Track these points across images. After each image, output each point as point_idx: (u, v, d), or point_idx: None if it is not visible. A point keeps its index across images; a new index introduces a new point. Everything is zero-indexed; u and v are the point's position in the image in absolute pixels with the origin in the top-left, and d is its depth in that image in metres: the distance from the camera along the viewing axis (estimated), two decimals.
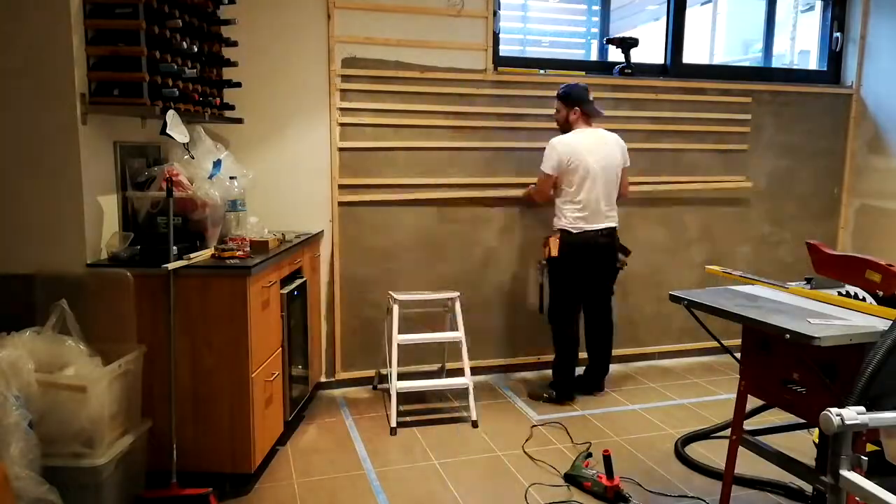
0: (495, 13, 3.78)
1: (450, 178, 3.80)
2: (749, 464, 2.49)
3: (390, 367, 3.32)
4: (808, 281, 2.36)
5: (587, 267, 3.49)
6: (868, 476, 1.34)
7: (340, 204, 3.66)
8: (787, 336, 1.82)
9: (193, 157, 2.86)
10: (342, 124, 3.62)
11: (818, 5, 4.62)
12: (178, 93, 2.62)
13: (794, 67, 5.22)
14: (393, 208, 3.74)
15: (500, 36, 3.87)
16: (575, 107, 3.46)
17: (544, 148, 3.94)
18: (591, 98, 3.49)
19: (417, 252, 3.81)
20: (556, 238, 3.46)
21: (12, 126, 2.44)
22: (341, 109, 3.60)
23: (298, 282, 3.18)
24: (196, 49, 2.83)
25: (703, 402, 3.65)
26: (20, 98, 2.42)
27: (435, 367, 3.87)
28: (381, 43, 3.62)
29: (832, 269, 2.22)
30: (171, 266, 2.43)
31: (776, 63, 4.82)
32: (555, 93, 3.59)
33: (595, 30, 4.25)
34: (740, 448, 2.26)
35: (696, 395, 3.75)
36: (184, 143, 2.78)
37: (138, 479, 2.47)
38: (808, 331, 1.79)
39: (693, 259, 4.32)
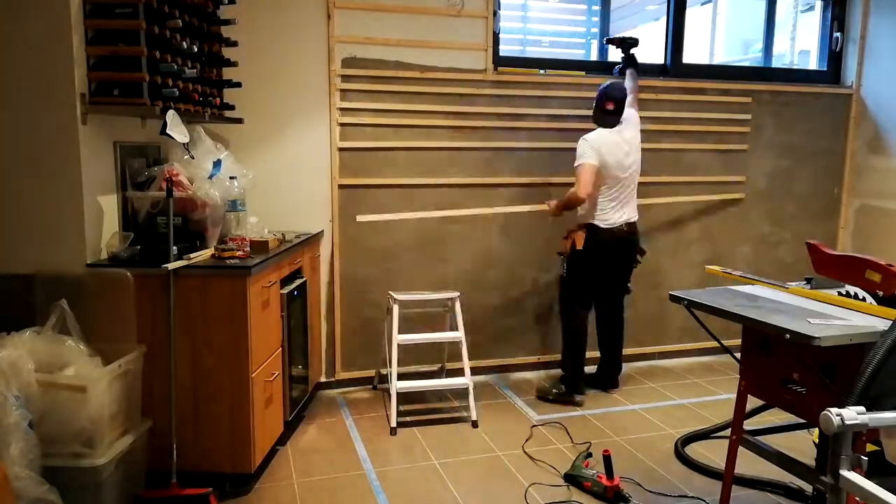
0: (495, 13, 3.78)
1: (450, 178, 3.80)
2: (749, 464, 2.49)
3: (390, 367, 3.32)
4: (808, 281, 2.36)
5: (609, 262, 3.54)
6: (868, 476, 1.34)
7: (340, 204, 3.66)
8: (787, 336, 1.82)
9: (193, 157, 2.86)
10: (342, 124, 3.62)
11: (818, 5, 4.62)
12: (178, 93, 2.62)
13: (794, 67, 5.22)
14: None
15: (500, 36, 3.87)
16: (609, 102, 3.48)
17: (544, 148, 3.97)
18: (626, 96, 3.52)
19: (417, 252, 3.81)
20: (582, 232, 3.46)
21: (12, 126, 2.44)
22: (341, 109, 3.60)
23: (298, 282, 3.18)
24: (196, 49, 2.83)
25: (703, 402, 3.65)
26: (20, 98, 2.42)
27: (435, 367, 3.87)
28: (381, 43, 3.62)
29: (832, 269, 2.22)
30: (171, 266, 2.43)
31: (776, 63, 4.82)
32: (555, 93, 3.59)
33: (595, 30, 4.25)
34: (740, 448, 2.26)
35: (696, 395, 3.76)
36: (184, 143, 2.78)
37: (138, 479, 2.47)
38: (808, 331, 1.79)
39: (693, 259, 4.32)
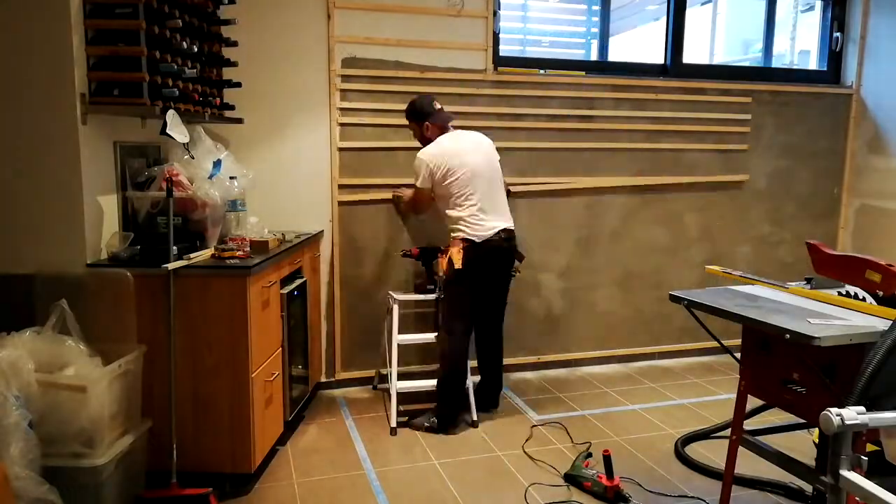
0: (495, 13, 3.78)
1: None
2: (749, 464, 2.49)
3: (390, 367, 3.32)
4: (808, 281, 2.36)
5: (490, 276, 3.29)
6: (868, 476, 1.34)
7: (340, 204, 3.66)
8: (787, 336, 1.82)
9: (193, 157, 2.86)
10: (342, 124, 3.62)
11: (818, 5, 4.62)
12: (178, 93, 2.62)
13: (794, 67, 5.22)
14: (393, 208, 3.74)
15: (500, 36, 3.87)
16: (424, 122, 3.27)
17: (544, 148, 3.96)
18: (436, 107, 3.28)
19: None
20: (459, 248, 3.13)
21: (12, 126, 2.44)
22: (341, 109, 3.60)
23: (298, 282, 3.18)
24: (196, 49, 2.83)
25: (703, 402, 3.65)
26: (20, 98, 2.42)
27: (435, 367, 3.87)
28: (381, 43, 3.62)
29: (832, 269, 2.22)
30: (171, 266, 2.43)
31: (776, 63, 4.82)
32: (555, 93, 3.57)
33: (595, 30, 4.25)
34: (740, 448, 2.26)
35: (696, 395, 3.75)
36: (184, 143, 2.78)
37: (138, 479, 2.47)
38: (808, 331, 1.78)
39: (693, 259, 4.32)
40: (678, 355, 4.36)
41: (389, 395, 3.28)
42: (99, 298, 2.47)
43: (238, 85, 3.27)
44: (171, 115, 2.55)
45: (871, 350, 1.52)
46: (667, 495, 2.64)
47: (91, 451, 2.18)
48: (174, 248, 2.50)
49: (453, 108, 3.73)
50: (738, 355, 2.28)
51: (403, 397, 3.33)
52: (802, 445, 2.64)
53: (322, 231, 3.64)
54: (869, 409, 1.34)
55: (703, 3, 7.08)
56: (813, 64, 4.72)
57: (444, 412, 3.25)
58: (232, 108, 3.32)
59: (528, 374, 4.06)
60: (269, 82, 3.50)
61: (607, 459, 2.59)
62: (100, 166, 2.60)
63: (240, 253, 2.66)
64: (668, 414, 3.48)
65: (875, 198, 4.43)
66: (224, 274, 2.53)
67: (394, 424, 3.21)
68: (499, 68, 3.84)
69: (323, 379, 3.77)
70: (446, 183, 3.15)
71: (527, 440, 3.13)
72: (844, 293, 2.17)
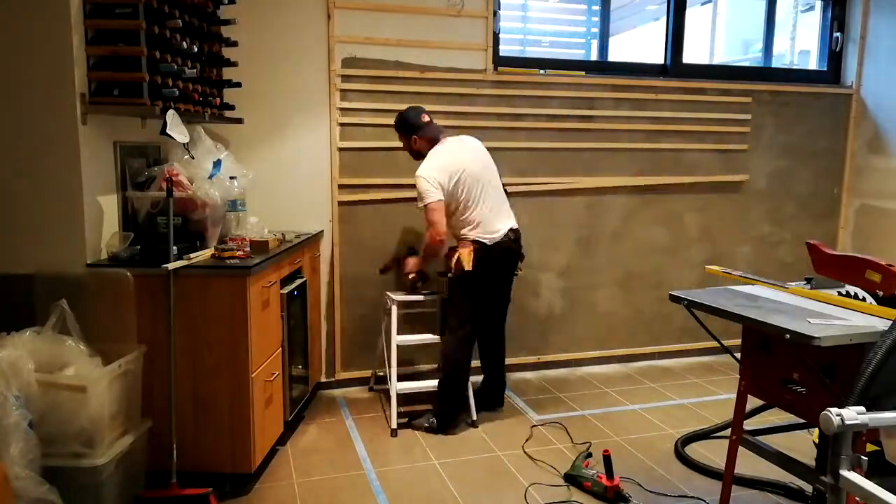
0: (495, 13, 3.78)
1: None
2: (749, 464, 2.49)
3: (389, 368, 3.32)
4: (808, 281, 2.36)
5: (497, 277, 3.28)
6: (868, 476, 1.34)
7: (340, 204, 3.67)
8: (787, 336, 1.82)
9: (193, 157, 2.86)
10: (342, 124, 3.62)
11: (818, 5, 4.62)
12: (178, 93, 2.62)
13: (794, 67, 5.22)
14: (393, 208, 3.74)
15: (500, 36, 3.87)
16: (412, 135, 3.24)
17: (544, 148, 3.96)
18: (425, 120, 3.24)
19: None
20: (470, 250, 3.12)
21: (12, 126, 2.44)
22: (341, 109, 3.61)
23: (298, 282, 3.18)
24: (196, 49, 2.83)
25: (703, 402, 3.65)
26: (20, 98, 2.42)
27: (434, 366, 3.87)
28: (381, 43, 3.62)
29: (832, 269, 2.22)
30: (171, 266, 2.43)
31: (776, 63, 4.82)
32: (555, 93, 3.56)
33: (595, 30, 4.25)
34: (740, 448, 2.26)
35: (696, 395, 3.76)
36: (184, 143, 2.78)
37: (138, 479, 2.47)
38: (808, 331, 1.78)
39: (693, 259, 4.33)
40: (678, 355, 4.36)
41: (389, 396, 3.27)
42: (99, 298, 2.48)
43: (238, 85, 3.27)
44: (171, 115, 2.55)
45: (871, 350, 1.52)
46: (667, 495, 2.64)
47: (91, 451, 2.18)
48: (174, 248, 2.50)
49: (453, 109, 3.75)
50: (738, 355, 2.28)
51: (403, 398, 3.33)
52: (802, 445, 2.64)
53: (322, 231, 3.64)
54: (869, 409, 1.34)
55: (703, 3, 7.09)
56: (813, 64, 4.72)
57: (444, 412, 3.25)
58: (232, 108, 3.32)
59: (529, 374, 4.06)
60: (269, 82, 3.50)
61: (607, 459, 2.59)
62: (100, 166, 2.60)
63: (240, 253, 2.66)
64: (668, 414, 3.48)
65: (875, 198, 4.43)
66: (224, 274, 2.53)
67: (394, 426, 3.21)
68: (499, 68, 3.84)
69: (323, 379, 3.77)
70: (454, 192, 3.12)
71: (527, 440, 3.13)
72: (844, 293, 2.17)
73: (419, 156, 3.24)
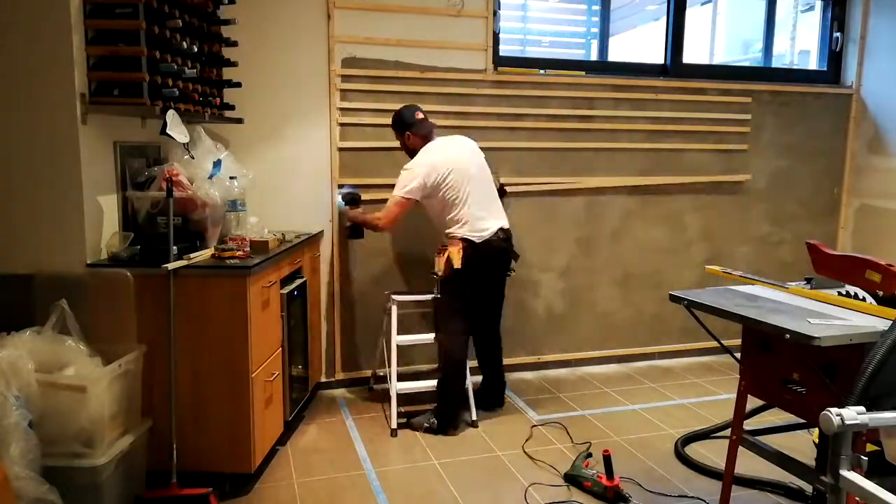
0: (495, 13, 3.78)
1: None
2: (749, 464, 2.49)
3: (389, 368, 3.32)
4: (808, 281, 2.36)
5: (488, 276, 3.30)
6: (868, 476, 1.34)
7: None
8: (787, 336, 1.82)
9: (193, 157, 2.86)
10: (342, 124, 3.62)
11: (818, 5, 4.62)
12: (178, 93, 2.62)
13: (794, 67, 5.22)
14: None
15: (500, 36, 3.87)
16: (405, 132, 3.27)
17: (544, 148, 3.96)
18: (419, 117, 3.27)
19: (417, 252, 3.81)
20: (459, 248, 3.13)
21: (12, 126, 2.44)
22: (341, 109, 3.61)
23: (298, 282, 3.18)
24: (196, 49, 2.83)
25: (703, 402, 3.65)
26: (20, 98, 2.42)
27: (434, 367, 3.87)
28: (381, 43, 3.62)
29: (832, 269, 2.22)
30: (171, 266, 2.43)
31: (776, 63, 4.82)
32: (555, 93, 3.56)
33: (595, 30, 4.25)
34: (740, 448, 2.26)
35: (696, 395, 3.76)
36: (184, 143, 2.78)
37: (138, 479, 2.47)
38: (808, 331, 1.78)
39: (693, 259, 4.33)
40: (678, 355, 4.36)
41: (389, 396, 3.27)
42: (99, 298, 2.48)
43: (238, 85, 3.27)
44: (171, 115, 2.55)
45: (871, 350, 1.52)
46: (667, 495, 2.64)
47: (91, 451, 2.18)
48: (174, 248, 2.50)
49: (453, 108, 3.75)
50: (738, 355, 2.28)
51: (403, 398, 3.33)
52: (802, 445, 2.64)
53: (322, 231, 3.64)
54: (869, 409, 1.34)
55: (703, 3, 7.09)
56: (813, 64, 4.72)
57: (443, 412, 3.25)
58: (232, 108, 3.32)
59: (528, 374, 4.06)
60: (269, 82, 3.50)
61: (607, 459, 2.59)
62: (100, 166, 2.60)
63: (240, 253, 2.66)
64: (668, 414, 3.48)
65: (875, 198, 4.43)
66: (224, 274, 2.53)
67: (394, 426, 3.21)
68: (499, 68, 3.84)
69: (323, 379, 3.77)
70: (441, 190, 3.14)
71: (527, 440, 3.13)
72: (844, 293, 2.17)
73: (414, 153, 3.26)
